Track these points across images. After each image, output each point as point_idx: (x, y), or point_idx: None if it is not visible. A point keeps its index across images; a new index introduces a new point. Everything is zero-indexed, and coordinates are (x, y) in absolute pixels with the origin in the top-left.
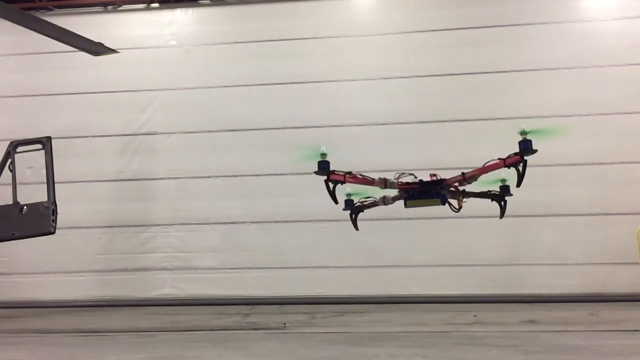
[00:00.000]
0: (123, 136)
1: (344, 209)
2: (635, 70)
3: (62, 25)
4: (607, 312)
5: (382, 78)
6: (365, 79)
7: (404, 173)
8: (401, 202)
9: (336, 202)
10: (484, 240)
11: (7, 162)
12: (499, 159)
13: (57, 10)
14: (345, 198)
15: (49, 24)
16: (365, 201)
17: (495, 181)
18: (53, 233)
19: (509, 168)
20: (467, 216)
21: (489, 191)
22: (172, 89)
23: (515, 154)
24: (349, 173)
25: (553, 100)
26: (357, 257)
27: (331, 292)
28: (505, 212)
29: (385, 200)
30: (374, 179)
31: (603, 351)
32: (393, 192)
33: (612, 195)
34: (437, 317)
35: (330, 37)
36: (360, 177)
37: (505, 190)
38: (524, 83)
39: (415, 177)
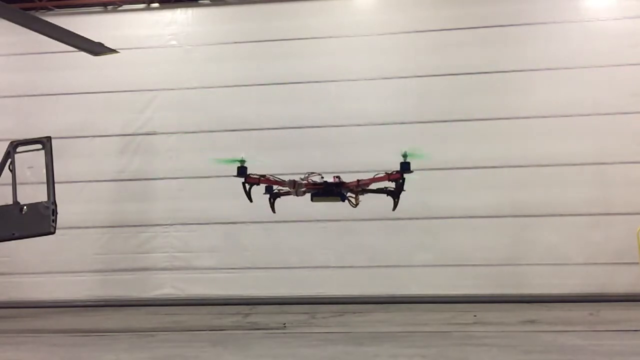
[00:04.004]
0: (123, 136)
1: (264, 193)
2: (635, 70)
3: (62, 25)
4: (607, 312)
5: (382, 78)
6: (365, 79)
7: (313, 172)
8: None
9: (250, 200)
10: (484, 240)
11: (7, 162)
12: (385, 172)
13: (57, 10)
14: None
15: (49, 24)
16: (281, 190)
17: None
18: (53, 233)
19: (391, 182)
20: (467, 216)
21: (385, 188)
22: (172, 89)
23: (397, 171)
24: (263, 176)
25: (553, 100)
26: (357, 257)
27: (331, 292)
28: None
29: (297, 192)
30: (284, 180)
31: (603, 351)
32: (303, 187)
33: (612, 195)
34: (437, 317)
35: (330, 37)
36: (273, 179)
37: (399, 187)
38: (524, 83)
39: (322, 177)
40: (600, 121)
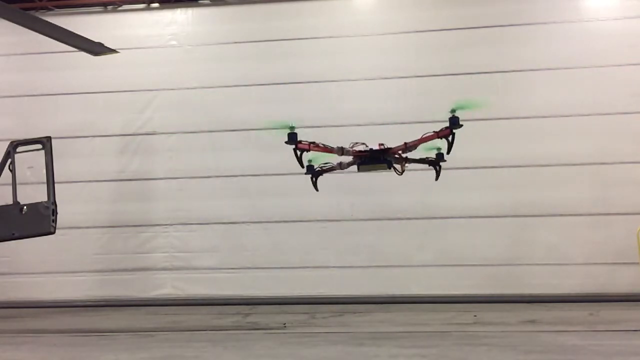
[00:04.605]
0: (123, 136)
1: (305, 173)
2: (635, 70)
3: (62, 25)
4: (607, 312)
5: (382, 78)
6: (365, 79)
7: (357, 142)
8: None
9: (302, 166)
10: (484, 240)
11: (7, 162)
12: (433, 131)
13: (57, 10)
14: (307, 164)
15: (49, 24)
16: (324, 166)
17: (432, 149)
18: (53, 233)
19: (441, 139)
20: (467, 216)
21: (427, 157)
22: (172, 89)
23: (446, 127)
24: (313, 143)
25: (553, 100)
26: (357, 257)
27: (331, 292)
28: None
29: (341, 166)
30: (333, 147)
31: (603, 351)
32: (348, 159)
33: (612, 195)
34: (437, 317)
35: (330, 37)
36: (322, 145)
37: (440, 156)
38: (524, 83)
39: (367, 146)
40: (600, 121)
